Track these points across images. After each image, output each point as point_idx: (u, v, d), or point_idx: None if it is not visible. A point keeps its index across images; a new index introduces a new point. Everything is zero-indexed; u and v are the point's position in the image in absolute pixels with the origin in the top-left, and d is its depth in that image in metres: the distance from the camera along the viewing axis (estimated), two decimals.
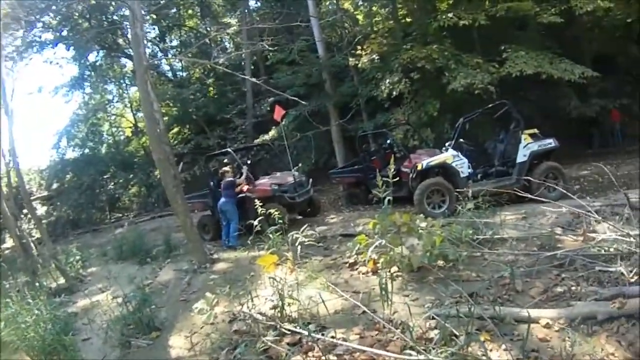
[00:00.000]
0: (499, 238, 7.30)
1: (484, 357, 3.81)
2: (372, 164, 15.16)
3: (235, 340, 5.35)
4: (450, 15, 16.52)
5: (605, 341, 4.04)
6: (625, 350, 3.89)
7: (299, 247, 7.35)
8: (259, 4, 28.34)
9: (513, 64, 15.73)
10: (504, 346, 4.12)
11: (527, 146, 11.53)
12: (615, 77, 22.08)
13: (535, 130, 12.06)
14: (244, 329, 5.57)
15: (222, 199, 12.15)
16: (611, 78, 21.27)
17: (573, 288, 5.15)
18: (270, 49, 16.74)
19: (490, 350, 4.07)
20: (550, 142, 11.71)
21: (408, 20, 20.88)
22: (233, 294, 6.17)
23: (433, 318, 4.74)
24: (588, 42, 21.96)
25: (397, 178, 13.24)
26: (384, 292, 5.30)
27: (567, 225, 7.61)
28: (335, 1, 22.74)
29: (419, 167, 11.77)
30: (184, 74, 30.18)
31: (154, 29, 29.19)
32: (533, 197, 7.25)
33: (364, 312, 5.02)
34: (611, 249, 5.74)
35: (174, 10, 28.77)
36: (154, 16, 26.68)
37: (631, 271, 5.07)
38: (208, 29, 28.63)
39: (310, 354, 4.61)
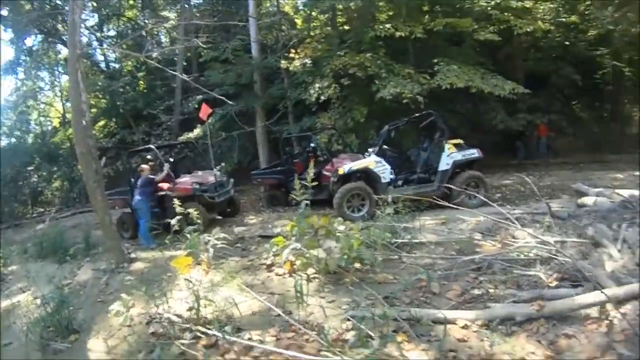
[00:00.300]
0: (417, 242, 7.32)
1: (401, 358, 3.78)
2: (294, 166, 15.09)
3: (153, 343, 5.11)
4: (387, 26, 16.69)
5: (525, 341, 4.09)
6: (545, 349, 3.93)
7: (215, 248, 7.13)
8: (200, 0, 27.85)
9: (444, 76, 16.00)
10: (421, 347, 4.09)
11: (450, 155, 11.74)
12: (547, 94, 23.04)
13: (460, 141, 12.30)
14: (160, 332, 5.32)
15: (136, 197, 11.78)
16: (542, 95, 22.29)
17: (491, 291, 5.16)
18: (204, 46, 16.47)
19: (408, 351, 4.02)
20: (473, 153, 11.96)
21: (346, 28, 20.97)
22: (149, 295, 5.92)
23: (349, 320, 4.66)
24: (523, 60, 22.76)
25: (318, 181, 13.39)
26: (299, 294, 5.18)
27: (487, 232, 7.67)
28: (276, 3, 22.43)
29: (341, 171, 11.81)
30: (117, 66, 29.19)
31: (93, 16, 27.94)
32: (452, 204, 7.32)
33: (280, 313, 4.90)
34: (531, 254, 5.86)
35: None
36: (95, 4, 25.86)
37: (550, 275, 5.18)
38: (146, 21, 27.88)
39: (226, 356, 4.48)
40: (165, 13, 28.58)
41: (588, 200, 9.07)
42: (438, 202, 7.15)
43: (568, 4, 23.06)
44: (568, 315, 4.32)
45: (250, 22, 19.69)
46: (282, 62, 18.59)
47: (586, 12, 22.73)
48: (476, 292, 5.23)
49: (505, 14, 18.40)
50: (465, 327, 4.36)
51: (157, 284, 6.97)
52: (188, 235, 6.87)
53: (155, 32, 26.43)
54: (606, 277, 4.78)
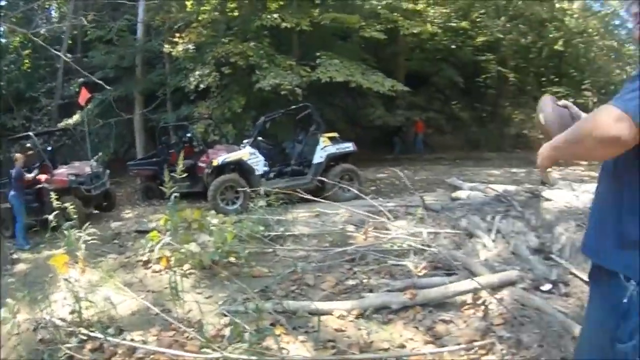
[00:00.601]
0: (291, 235, 7.24)
1: (282, 350, 3.69)
2: (170, 157, 14.66)
3: (42, 351, 4.69)
4: (275, 15, 16.61)
5: (402, 328, 4.08)
6: (424, 334, 3.95)
7: (90, 245, 6.71)
8: None
9: (325, 70, 16.22)
10: (300, 338, 4.00)
11: (324, 148, 11.91)
12: (427, 93, 23.93)
13: (335, 134, 12.58)
14: (48, 338, 4.89)
15: (10, 191, 10.93)
16: (422, 93, 23.13)
17: (365, 281, 5.13)
18: (90, 24, 15.60)
19: (287, 344, 3.92)
20: (348, 146, 12.24)
21: (235, 14, 20.55)
22: (33, 299, 5.43)
23: (225, 315, 4.49)
24: (406, 60, 23.49)
25: (194, 173, 13.10)
26: (174, 291, 4.91)
27: (360, 224, 7.63)
28: None
29: (215, 163, 11.70)
30: (3, 41, 27.07)
31: None
32: (320, 198, 7.43)
33: (160, 311, 4.70)
34: (404, 245, 5.88)
35: None
36: None
37: (421, 265, 5.21)
38: None
39: (112, 359, 4.22)
40: None
41: (462, 194, 9.33)
42: (313, 193, 7.09)
43: (461, 11, 24.16)
44: (444, 303, 4.36)
45: (139, 1, 18.87)
46: (166, 46, 17.98)
47: (477, 20, 23.92)
48: (350, 282, 5.19)
49: (395, 14, 18.90)
50: (341, 317, 4.30)
51: (40, 286, 6.43)
52: (65, 232, 6.45)
53: (47, 6, 24.71)
54: (480, 265, 4.86)
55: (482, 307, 4.14)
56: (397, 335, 3.96)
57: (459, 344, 3.67)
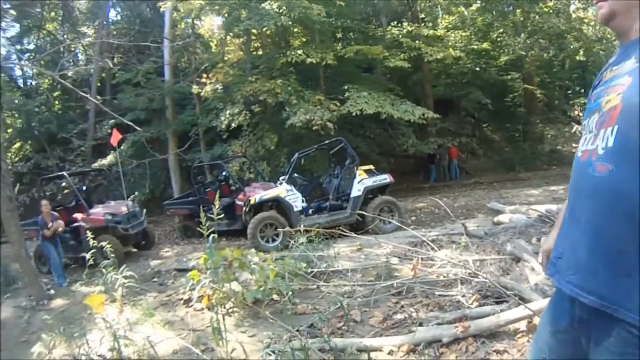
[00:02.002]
0: (334, 270, 7.17)
1: None
2: (206, 195, 14.71)
3: None
4: (299, 52, 16.70)
5: None
6: None
7: (127, 285, 6.74)
8: (119, 17, 26.77)
9: (354, 103, 16.18)
10: None
11: (361, 181, 11.78)
12: (457, 118, 23.88)
13: (371, 167, 12.50)
14: None
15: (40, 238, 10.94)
16: (452, 119, 23.22)
17: (413, 314, 5.04)
18: (117, 67, 15.83)
19: None
20: (385, 178, 12.10)
21: (259, 53, 20.90)
22: (69, 335, 5.46)
23: (270, 355, 4.35)
24: (433, 86, 23.52)
25: (232, 212, 13.09)
26: (217, 330, 4.87)
27: (404, 255, 7.57)
28: (192, 24, 21.94)
29: (252, 201, 11.64)
30: (33, 83, 27.61)
31: (14, 26, 25.60)
32: (361, 231, 7.28)
33: (202, 351, 4.71)
34: (450, 275, 5.79)
35: (38, 9, 25.71)
36: (15, 12, 23.80)
37: (472, 295, 5.10)
38: (65, 35, 26.64)
39: None
40: (83, 29, 27.20)
41: (504, 217, 9.20)
42: (354, 227, 6.98)
43: (480, 32, 24.22)
44: (496, 332, 4.25)
45: (164, 43, 19.13)
46: (194, 87, 18.16)
47: (498, 39, 23.99)
48: (398, 316, 5.09)
49: (417, 42, 18.99)
50: (391, 353, 4.20)
51: (77, 322, 6.64)
52: (103, 270, 6.49)
53: (72, 49, 25.30)
54: (531, 291, 4.77)
55: None
56: None
57: None
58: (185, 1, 17.19)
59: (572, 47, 24.57)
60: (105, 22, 24.79)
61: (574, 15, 24.08)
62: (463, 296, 5.09)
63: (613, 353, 1.48)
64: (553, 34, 23.48)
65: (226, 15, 18.09)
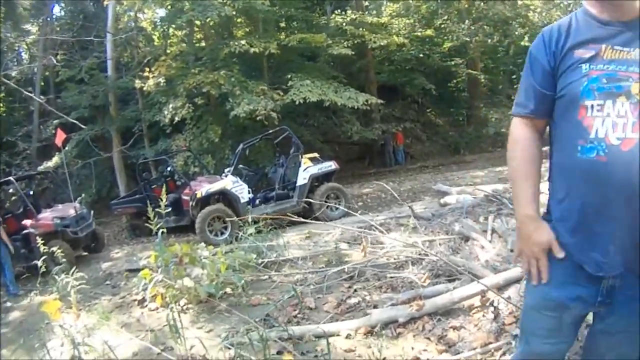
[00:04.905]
0: (284, 259, 7.17)
1: None
2: (153, 192, 14.43)
3: None
4: (243, 42, 16.58)
5: (414, 340, 4.03)
6: (437, 344, 3.91)
7: (79, 288, 6.58)
8: (62, 12, 25.57)
9: (298, 91, 16.17)
10: None
11: (306, 169, 11.89)
12: (401, 104, 24.18)
13: (316, 155, 12.59)
14: None
15: None
16: (396, 105, 23.50)
17: (367, 297, 5.08)
18: (60, 64, 15.31)
19: None
20: (330, 165, 12.23)
21: (202, 44, 20.62)
22: (30, 347, 5.31)
23: (229, 348, 4.40)
24: (377, 73, 23.71)
25: (179, 207, 12.98)
26: (174, 329, 4.81)
27: (353, 240, 7.66)
28: (134, 17, 21.11)
29: (199, 195, 11.58)
30: None
31: None
32: (309, 219, 7.35)
33: (162, 350, 4.64)
34: (400, 257, 5.87)
35: None
36: None
37: (424, 274, 5.16)
38: (9, 34, 25.66)
39: None
40: (27, 27, 26.39)
41: (450, 199, 9.35)
42: (301, 215, 6.99)
43: (424, 19, 24.50)
44: (451, 309, 4.33)
45: (107, 37, 18.71)
46: (137, 81, 17.80)
47: (442, 26, 24.39)
48: (353, 300, 5.13)
49: (360, 29, 19.05)
50: (349, 337, 4.24)
51: (35, 334, 6.45)
52: (56, 277, 6.32)
53: (16, 48, 24.43)
54: (482, 267, 4.87)
55: (492, 309, 4.11)
56: (409, 349, 3.90)
57: (474, 349, 3.65)
58: None
59: (517, 33, 25.17)
60: (49, 18, 23.97)
61: (520, 2, 24.69)
62: (415, 276, 5.14)
63: None
64: (498, 20, 24.08)
65: (169, 7, 17.81)
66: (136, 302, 6.77)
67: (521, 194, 1.96)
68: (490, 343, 3.65)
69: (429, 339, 4.00)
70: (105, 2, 18.21)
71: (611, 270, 1.74)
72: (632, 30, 1.70)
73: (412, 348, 3.89)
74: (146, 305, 6.44)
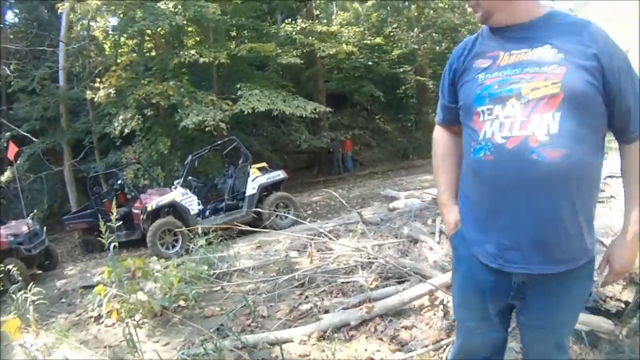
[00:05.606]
0: (235, 270, 7.21)
1: None
2: (104, 206, 13.97)
3: None
4: (192, 52, 16.49)
5: (366, 342, 4.11)
6: (389, 344, 3.99)
7: (37, 306, 6.47)
8: (17, 19, 24.89)
9: (247, 101, 16.19)
10: None
11: (255, 179, 11.93)
12: (350, 111, 24.44)
13: (264, 164, 12.64)
14: None
15: None
16: (345, 112, 23.75)
17: (319, 303, 5.16)
18: (13, 75, 14.90)
19: None
20: (278, 174, 12.31)
21: (153, 54, 20.30)
22: None
23: (187, 359, 4.40)
24: (326, 81, 23.95)
25: (130, 221, 12.80)
26: (131, 343, 4.79)
27: (302, 248, 7.69)
28: (87, 26, 20.28)
29: (149, 208, 11.46)
30: None
31: None
32: (259, 228, 7.49)
33: None
34: (350, 262, 5.97)
35: None
36: None
37: (373, 278, 5.27)
38: None
39: None
40: None
41: (399, 203, 9.51)
42: (251, 225, 7.01)
43: (374, 27, 24.79)
44: (402, 310, 4.45)
45: (59, 47, 18.20)
46: (88, 92, 17.41)
47: (391, 34, 24.70)
48: (304, 307, 5.19)
49: (310, 38, 19.18)
50: (303, 342, 4.30)
51: None
52: (13, 296, 6.20)
53: None
54: (430, 268, 5.00)
55: (441, 307, 4.21)
56: (363, 350, 3.98)
57: (426, 346, 3.74)
58: (83, 2, 16.38)
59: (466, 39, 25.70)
60: (2, 25, 23.31)
61: (469, 9, 25.16)
62: (365, 280, 5.23)
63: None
64: (447, 27, 24.68)
65: (121, 15, 17.47)
66: (92, 319, 6.66)
67: (439, 184, 2.30)
68: (442, 340, 3.74)
69: (381, 339, 4.07)
70: (59, 10, 17.70)
71: (507, 264, 1.86)
72: (530, 31, 1.82)
73: (365, 349, 3.97)
74: (102, 322, 6.35)
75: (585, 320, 3.33)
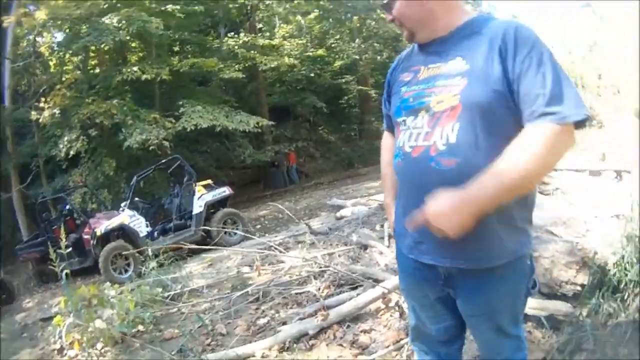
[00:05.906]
0: (190, 290, 7.14)
1: None
2: (54, 233, 13.35)
3: None
4: (135, 68, 16.23)
5: (327, 349, 4.17)
6: (350, 349, 4.07)
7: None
8: None
9: (189, 118, 16.15)
10: None
11: (201, 197, 11.87)
12: (293, 124, 24.62)
13: (209, 181, 12.67)
14: None
15: None
16: (288, 125, 23.91)
17: (276, 316, 5.21)
18: None
19: None
20: (224, 191, 12.31)
21: (97, 71, 19.78)
22: None
23: None
24: (268, 95, 24.09)
25: (81, 247, 12.45)
26: None
27: (254, 263, 7.65)
28: (33, 42, 19.30)
29: (99, 233, 11.21)
30: None
31: None
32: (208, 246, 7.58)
33: None
34: (302, 273, 6.05)
35: None
36: None
37: (325, 286, 5.40)
38: None
39: None
40: None
41: (346, 211, 9.66)
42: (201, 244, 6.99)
43: (316, 39, 25.01)
44: (359, 315, 4.53)
45: (4, 64, 17.30)
46: (33, 112, 16.66)
47: (333, 46, 24.94)
48: (262, 321, 5.22)
49: (252, 52, 19.22)
50: (265, 356, 4.33)
51: None
52: None
53: None
54: (382, 271, 5.17)
55: (397, 308, 4.36)
56: (325, 357, 4.05)
57: (387, 347, 3.85)
58: (29, 17, 15.95)
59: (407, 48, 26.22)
60: None
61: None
62: (318, 289, 5.32)
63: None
64: (388, 37, 25.03)
65: (67, 30, 17.15)
66: (55, 352, 6.52)
67: (384, 188, 2.51)
68: (402, 339, 3.85)
69: (342, 345, 4.16)
70: (4, 24, 17.13)
71: (422, 255, 2.03)
72: (447, 44, 1.95)
73: (328, 356, 4.04)
74: (66, 354, 6.26)
75: (543, 306, 3.56)
